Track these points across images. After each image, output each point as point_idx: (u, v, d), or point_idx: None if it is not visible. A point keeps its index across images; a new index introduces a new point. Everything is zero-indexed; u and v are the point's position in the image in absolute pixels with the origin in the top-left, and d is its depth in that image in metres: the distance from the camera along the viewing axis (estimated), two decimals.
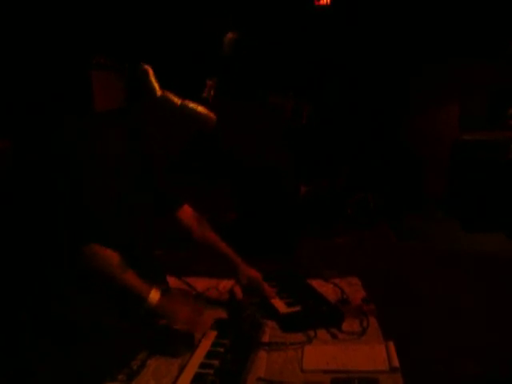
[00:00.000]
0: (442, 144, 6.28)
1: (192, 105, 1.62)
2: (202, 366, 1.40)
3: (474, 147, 5.71)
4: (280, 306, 1.76)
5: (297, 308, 1.73)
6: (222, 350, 1.48)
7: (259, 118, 5.11)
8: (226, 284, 2.00)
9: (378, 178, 5.80)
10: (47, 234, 1.49)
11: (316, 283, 1.97)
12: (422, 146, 6.31)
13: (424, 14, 5.60)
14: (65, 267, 1.50)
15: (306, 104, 5.66)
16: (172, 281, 1.93)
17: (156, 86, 1.60)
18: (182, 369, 1.40)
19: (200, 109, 1.63)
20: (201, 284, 1.98)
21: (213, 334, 1.57)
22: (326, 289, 1.92)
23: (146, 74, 1.60)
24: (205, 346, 1.51)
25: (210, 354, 1.46)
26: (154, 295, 1.57)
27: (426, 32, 5.75)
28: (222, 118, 1.67)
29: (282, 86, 5.56)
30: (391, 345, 1.49)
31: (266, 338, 1.57)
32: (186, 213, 1.99)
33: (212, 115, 1.66)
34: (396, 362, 1.41)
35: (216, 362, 1.41)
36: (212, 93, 1.68)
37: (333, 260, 3.50)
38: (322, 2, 5.27)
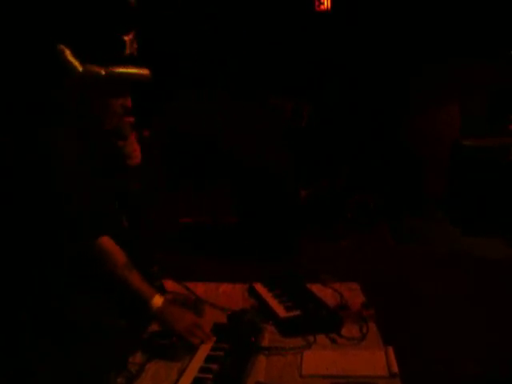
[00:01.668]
0: (442, 144, 6.27)
1: (119, 69, 1.56)
2: (202, 370, 1.40)
3: (474, 149, 5.70)
4: (279, 310, 1.76)
5: (296, 312, 1.73)
6: (221, 354, 1.48)
7: (259, 119, 5.10)
8: (225, 288, 2.01)
9: (377, 178, 5.79)
10: (45, 234, 1.49)
11: (315, 288, 1.97)
12: (422, 147, 6.29)
13: (424, 14, 5.60)
14: (65, 266, 1.50)
15: (306, 104, 5.66)
16: (171, 285, 1.93)
17: (76, 63, 1.51)
18: (181, 373, 1.40)
19: (130, 70, 1.57)
20: (200, 288, 1.98)
21: (212, 339, 1.57)
22: (325, 294, 1.92)
23: (62, 54, 1.51)
24: (204, 350, 1.51)
25: (209, 359, 1.46)
26: (157, 301, 1.58)
27: (426, 32, 5.74)
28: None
29: (282, 86, 5.55)
30: (390, 350, 1.50)
31: (265, 343, 1.57)
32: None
33: (144, 71, 1.60)
34: (395, 368, 1.41)
35: (215, 367, 1.41)
36: (135, 46, 1.63)
37: (333, 263, 3.49)
38: (322, 8, 5.28)
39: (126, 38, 1.60)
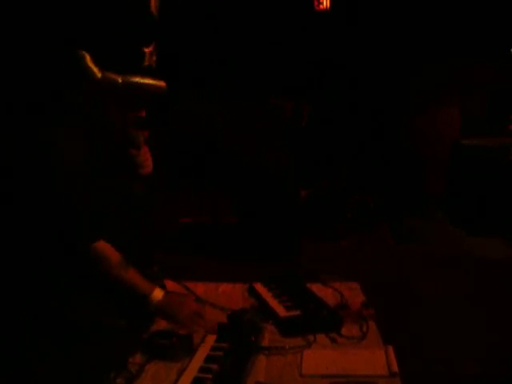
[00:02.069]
0: (442, 144, 6.27)
1: (135, 79, 1.58)
2: (201, 370, 1.40)
3: (474, 149, 5.71)
4: (280, 309, 1.76)
5: (296, 312, 1.73)
6: (221, 354, 1.47)
7: (259, 119, 5.10)
8: (225, 288, 2.01)
9: (377, 178, 5.80)
10: (45, 234, 1.49)
11: (316, 287, 1.97)
12: (421, 147, 6.30)
13: (424, 14, 5.60)
14: (65, 266, 1.50)
15: (306, 104, 5.66)
16: (171, 285, 1.93)
17: (94, 69, 1.54)
18: (180, 373, 1.40)
19: (145, 80, 1.59)
20: (200, 288, 1.98)
21: (212, 338, 1.57)
22: (325, 293, 1.92)
23: (83, 59, 1.53)
24: (204, 350, 1.51)
25: (209, 358, 1.46)
26: (157, 294, 1.59)
27: (426, 32, 5.74)
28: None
29: (282, 86, 5.56)
30: (390, 349, 1.49)
31: (265, 342, 1.57)
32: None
33: (160, 82, 1.62)
34: (395, 367, 1.41)
35: (215, 367, 1.40)
36: (154, 58, 1.65)
37: (333, 263, 3.49)
38: (321, 7, 5.28)
39: (146, 50, 1.62)
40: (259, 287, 1.97)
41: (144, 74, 1.60)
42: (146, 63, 1.62)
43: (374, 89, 6.19)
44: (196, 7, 5.24)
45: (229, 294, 1.96)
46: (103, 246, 1.55)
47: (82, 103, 1.59)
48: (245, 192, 4.72)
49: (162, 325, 1.63)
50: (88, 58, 1.53)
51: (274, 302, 1.82)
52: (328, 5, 5.29)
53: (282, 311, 1.74)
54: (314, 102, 5.91)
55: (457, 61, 6.00)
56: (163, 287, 1.81)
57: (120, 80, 1.55)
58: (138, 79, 1.58)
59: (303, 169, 5.26)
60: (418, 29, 5.72)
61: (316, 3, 5.35)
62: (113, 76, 1.55)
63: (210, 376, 1.36)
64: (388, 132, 6.31)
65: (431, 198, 6.13)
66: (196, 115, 5.75)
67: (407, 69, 6.18)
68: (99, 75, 1.53)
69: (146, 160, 1.78)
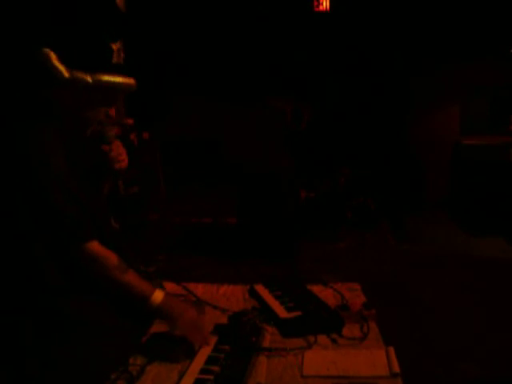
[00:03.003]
0: (442, 145, 6.27)
1: (106, 77, 1.53)
2: (202, 371, 1.40)
3: (474, 149, 5.71)
4: (280, 311, 1.75)
5: (297, 313, 1.73)
6: (222, 355, 1.47)
7: (259, 121, 5.11)
8: (225, 289, 2.00)
9: (378, 178, 5.79)
10: (43, 235, 1.48)
11: (316, 288, 1.96)
12: (422, 147, 6.30)
13: (424, 15, 5.60)
14: (61, 267, 1.49)
15: (306, 107, 5.67)
16: (171, 286, 1.92)
17: (62, 68, 1.47)
18: (181, 375, 1.39)
19: (116, 79, 1.55)
20: (200, 289, 1.97)
21: (213, 340, 1.57)
22: (326, 294, 1.92)
23: (47, 58, 1.47)
24: (205, 351, 1.51)
25: (210, 360, 1.45)
26: (158, 295, 1.56)
27: (426, 33, 5.74)
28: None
29: (281, 87, 5.56)
30: (391, 350, 1.49)
31: (266, 344, 1.57)
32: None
33: (130, 80, 1.59)
34: (396, 368, 1.40)
35: (216, 368, 1.40)
36: (122, 55, 1.61)
37: (333, 264, 3.49)
38: (321, 8, 5.28)
39: (113, 47, 1.58)
40: (260, 288, 1.97)
41: (113, 72, 1.56)
42: (115, 60, 1.58)
43: (373, 89, 6.20)
44: (196, 8, 5.24)
45: (229, 296, 1.95)
46: (98, 249, 1.53)
47: (51, 103, 1.54)
48: (245, 193, 4.72)
49: (162, 327, 1.63)
50: (53, 56, 1.47)
51: (274, 304, 1.81)
52: (327, 5, 5.30)
53: (282, 312, 1.74)
54: (313, 103, 5.92)
55: (457, 61, 6.00)
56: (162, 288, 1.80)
57: (90, 79, 1.50)
58: (107, 77, 1.53)
59: (303, 170, 5.27)
60: (418, 30, 5.73)
61: (315, 4, 5.35)
62: (82, 75, 1.50)
63: (211, 377, 1.36)
64: (389, 132, 6.31)
65: (432, 199, 6.13)
66: (196, 118, 5.75)
67: (407, 70, 6.19)
68: (67, 74, 1.48)
69: (120, 155, 1.73)
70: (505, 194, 5.16)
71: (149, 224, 4.22)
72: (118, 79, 1.56)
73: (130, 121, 2.68)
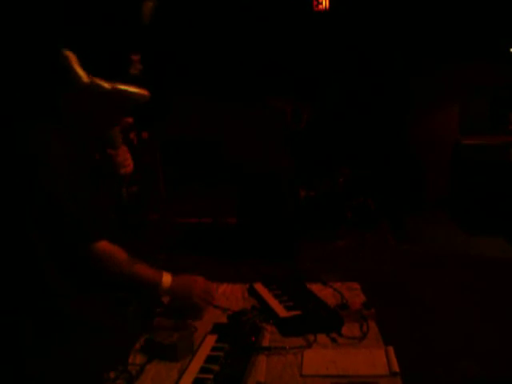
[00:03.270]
0: (442, 145, 6.27)
1: (123, 87, 1.55)
2: (202, 370, 1.40)
3: (474, 149, 5.70)
4: (280, 310, 1.75)
5: (297, 312, 1.73)
6: (221, 354, 1.47)
7: (259, 121, 5.11)
8: (225, 288, 2.00)
9: (379, 180, 5.79)
10: (45, 236, 1.48)
11: (316, 288, 1.96)
12: (423, 148, 6.30)
13: (424, 15, 5.60)
14: (66, 267, 1.50)
15: (305, 107, 5.67)
16: None
17: (81, 73, 1.49)
18: (181, 374, 1.40)
19: (132, 89, 1.57)
20: None
21: (212, 339, 1.57)
22: (325, 293, 1.92)
23: (68, 60, 1.48)
24: (204, 350, 1.51)
25: (209, 359, 1.46)
26: (167, 278, 1.65)
27: (426, 33, 5.74)
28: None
29: (281, 87, 5.56)
30: (391, 349, 1.49)
31: (265, 343, 1.57)
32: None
33: (144, 92, 1.61)
34: (396, 367, 1.40)
35: (216, 367, 1.40)
36: (139, 67, 1.63)
37: (333, 264, 3.49)
38: (320, 7, 5.29)
39: (134, 58, 1.61)
40: (259, 287, 1.97)
41: (130, 82, 1.58)
42: (132, 71, 1.60)
43: (373, 89, 6.19)
44: (196, 8, 5.24)
45: (229, 295, 1.96)
46: (108, 247, 1.56)
47: (58, 105, 1.56)
48: (245, 193, 4.72)
49: (163, 323, 1.64)
50: (74, 59, 1.48)
51: (274, 302, 1.82)
52: (327, 5, 5.30)
53: (282, 311, 1.74)
54: (313, 103, 5.92)
55: (457, 61, 6.00)
56: None
57: (108, 86, 1.52)
58: (124, 87, 1.55)
59: (303, 170, 5.27)
60: (418, 30, 5.73)
61: (315, 3, 5.36)
62: (101, 82, 1.51)
63: (210, 376, 1.36)
64: (389, 132, 6.31)
65: (432, 199, 6.13)
66: (196, 118, 5.74)
67: (407, 70, 6.19)
68: (86, 80, 1.49)
69: (126, 160, 1.77)
70: (505, 194, 5.16)
71: (149, 224, 4.24)
72: (134, 89, 1.59)
73: (130, 119, 2.69)
